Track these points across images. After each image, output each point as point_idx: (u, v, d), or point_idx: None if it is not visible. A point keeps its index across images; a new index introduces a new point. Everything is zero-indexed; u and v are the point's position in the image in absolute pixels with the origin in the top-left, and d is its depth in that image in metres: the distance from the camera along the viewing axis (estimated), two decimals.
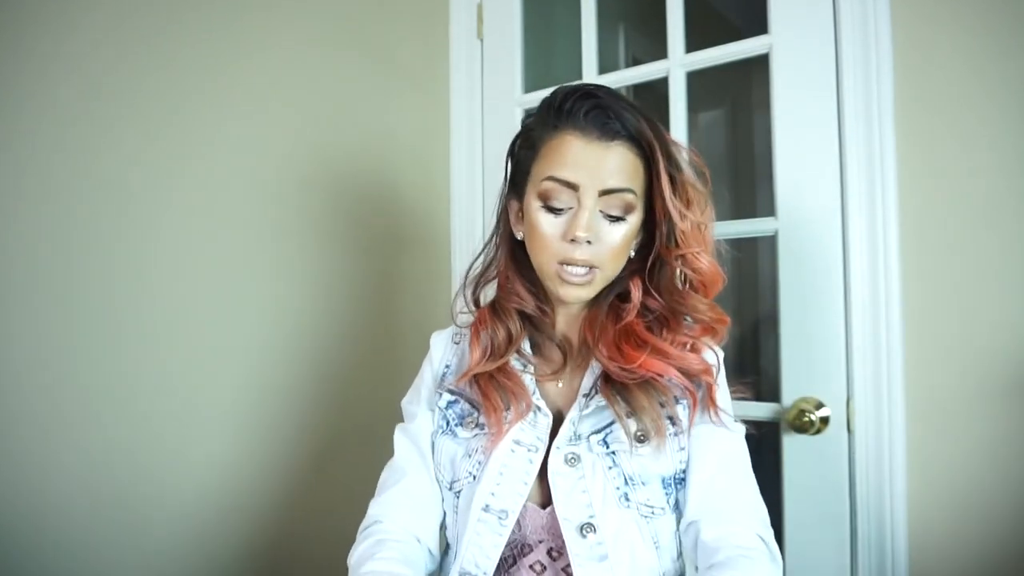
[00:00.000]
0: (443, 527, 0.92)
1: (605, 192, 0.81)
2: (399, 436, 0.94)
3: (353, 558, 0.83)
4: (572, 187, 0.81)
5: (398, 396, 0.99)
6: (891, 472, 1.14)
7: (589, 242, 0.81)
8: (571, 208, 0.82)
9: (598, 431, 0.84)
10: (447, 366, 0.95)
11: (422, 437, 0.92)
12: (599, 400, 0.85)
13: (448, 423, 0.90)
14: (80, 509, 1.03)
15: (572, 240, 0.81)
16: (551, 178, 0.82)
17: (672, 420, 0.84)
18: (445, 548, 0.93)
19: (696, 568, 0.82)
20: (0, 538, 0.96)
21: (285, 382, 1.31)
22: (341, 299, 1.43)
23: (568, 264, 0.82)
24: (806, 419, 1.20)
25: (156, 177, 1.13)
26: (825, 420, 1.21)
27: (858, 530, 1.17)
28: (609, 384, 0.84)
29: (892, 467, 1.14)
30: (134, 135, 1.10)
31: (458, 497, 0.86)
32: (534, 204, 0.84)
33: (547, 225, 0.83)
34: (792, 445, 1.25)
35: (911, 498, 1.14)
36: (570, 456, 0.82)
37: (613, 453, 0.82)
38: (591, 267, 0.83)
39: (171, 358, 1.14)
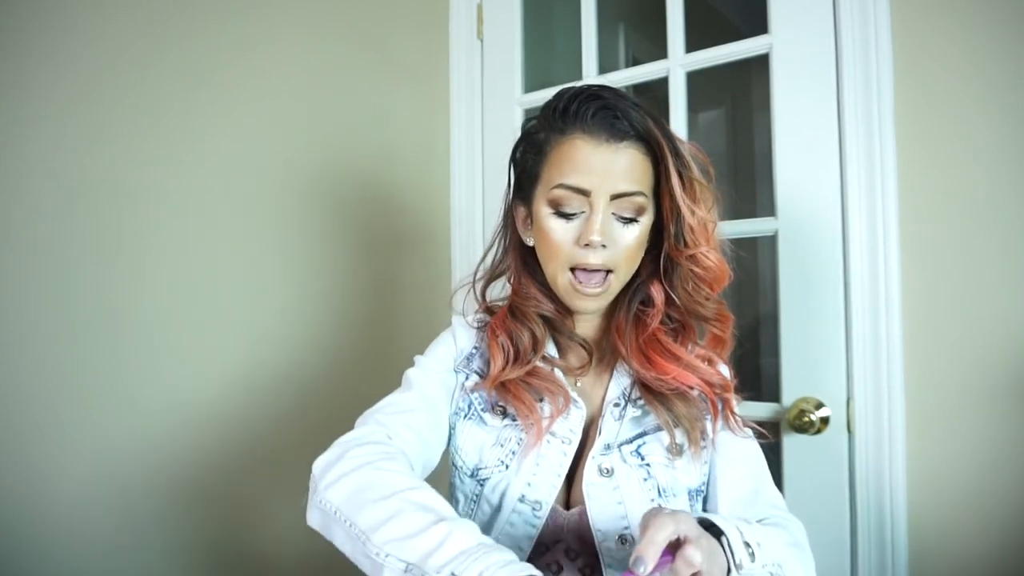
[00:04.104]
0: None
1: (616, 196, 0.80)
2: (417, 373, 0.89)
3: (359, 458, 0.72)
4: (583, 193, 0.80)
5: None
6: (891, 472, 1.14)
7: (604, 246, 0.81)
8: (583, 212, 0.81)
9: (629, 441, 0.84)
10: (475, 347, 0.93)
11: (437, 389, 0.89)
12: (633, 411, 0.85)
13: (472, 406, 0.87)
14: (76, 503, 1.03)
15: (586, 245, 0.80)
16: (562, 185, 0.81)
17: (703, 434, 0.85)
18: None
19: None
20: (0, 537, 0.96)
21: (282, 382, 1.31)
22: (339, 298, 1.43)
23: (582, 269, 0.82)
24: (806, 419, 1.20)
25: (154, 176, 1.13)
26: (825, 420, 1.21)
27: (858, 530, 1.17)
28: (649, 393, 0.85)
29: (892, 467, 1.14)
30: (130, 133, 1.10)
31: (482, 485, 0.84)
32: (544, 211, 0.83)
33: (559, 231, 0.82)
34: (792, 445, 1.25)
35: (911, 498, 1.14)
36: (604, 467, 0.82)
37: (648, 465, 0.83)
38: (607, 272, 0.83)
39: (168, 356, 1.14)
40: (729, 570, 0.67)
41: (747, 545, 0.68)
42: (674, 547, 0.62)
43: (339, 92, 1.43)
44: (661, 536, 0.60)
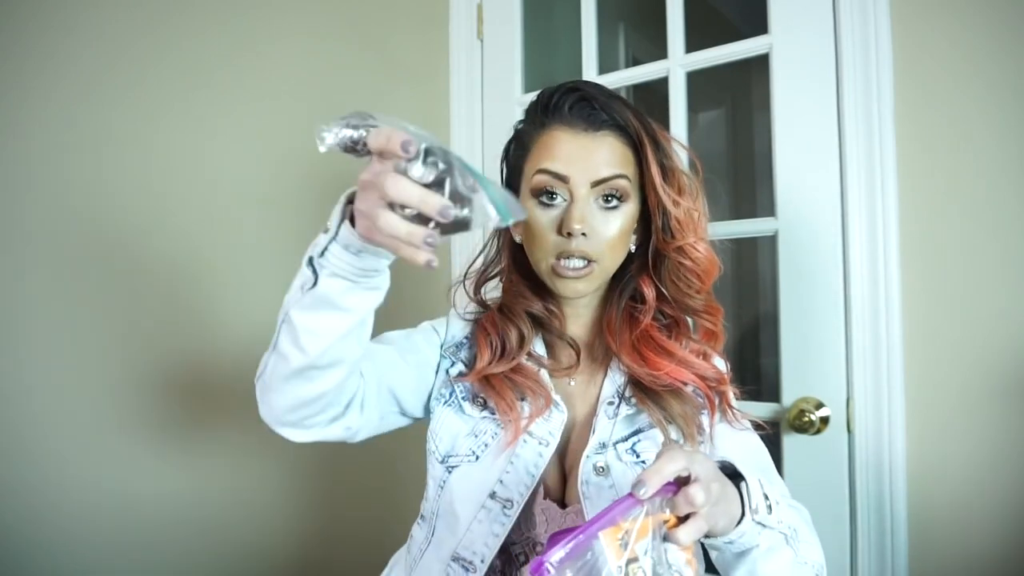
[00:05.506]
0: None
1: (597, 182, 0.81)
2: (388, 334, 0.90)
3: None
4: (563, 179, 0.81)
5: None
6: (891, 472, 1.14)
7: (584, 234, 0.81)
8: (564, 201, 0.82)
9: (624, 439, 0.84)
10: (466, 338, 0.93)
11: (412, 353, 0.88)
12: (627, 409, 0.85)
13: (453, 394, 0.88)
14: (74, 504, 1.03)
15: (568, 234, 0.81)
16: (542, 171, 0.82)
17: (699, 429, 0.85)
18: (417, 518, 0.92)
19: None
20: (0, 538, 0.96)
21: None
22: None
23: (564, 257, 0.82)
24: (806, 419, 1.20)
25: (154, 176, 1.13)
26: (825, 420, 1.21)
27: (858, 530, 1.17)
28: (642, 391, 0.85)
29: (892, 467, 1.14)
30: (130, 134, 1.10)
31: (450, 472, 0.85)
32: (528, 201, 0.84)
33: (541, 219, 0.83)
34: (792, 445, 1.25)
35: (911, 498, 1.14)
36: (599, 466, 0.82)
37: (644, 462, 0.83)
38: (589, 260, 0.82)
39: (167, 356, 1.15)
40: (741, 518, 0.65)
41: (766, 496, 0.67)
42: (683, 483, 0.59)
43: (339, 92, 1.42)
44: (669, 468, 0.58)
